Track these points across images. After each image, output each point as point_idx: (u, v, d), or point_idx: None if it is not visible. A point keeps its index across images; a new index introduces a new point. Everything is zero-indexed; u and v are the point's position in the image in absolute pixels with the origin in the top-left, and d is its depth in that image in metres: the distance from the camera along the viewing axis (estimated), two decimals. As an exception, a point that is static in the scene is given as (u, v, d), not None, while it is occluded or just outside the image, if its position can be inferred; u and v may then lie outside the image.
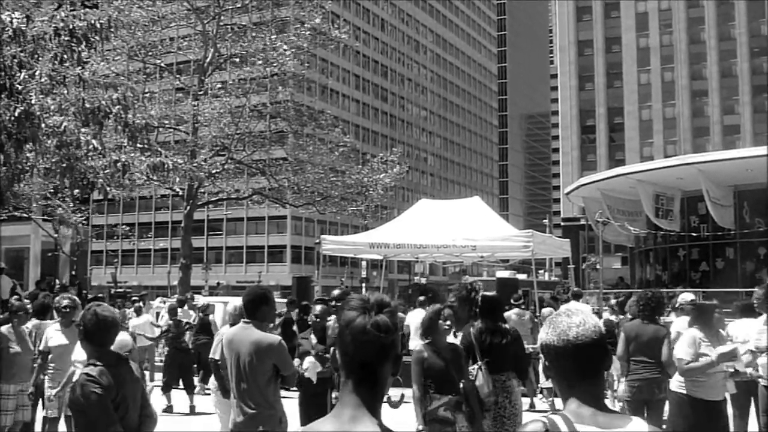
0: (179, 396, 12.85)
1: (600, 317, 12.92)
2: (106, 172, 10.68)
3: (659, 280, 31.83)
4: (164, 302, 21.04)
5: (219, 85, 26.55)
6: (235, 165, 27.38)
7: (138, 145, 13.52)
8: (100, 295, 23.93)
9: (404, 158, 43.45)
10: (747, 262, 29.06)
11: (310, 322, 10.38)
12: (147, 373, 15.18)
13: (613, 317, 12.26)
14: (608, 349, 2.41)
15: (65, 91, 9.82)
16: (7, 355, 7.68)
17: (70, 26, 9.15)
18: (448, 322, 6.65)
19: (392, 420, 2.06)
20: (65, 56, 9.34)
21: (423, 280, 47.71)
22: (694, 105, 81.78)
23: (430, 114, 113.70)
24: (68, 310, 7.56)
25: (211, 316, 15.27)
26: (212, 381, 7.70)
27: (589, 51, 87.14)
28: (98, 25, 9.32)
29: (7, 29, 8.82)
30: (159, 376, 14.66)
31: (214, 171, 25.69)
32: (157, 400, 10.23)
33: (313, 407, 7.53)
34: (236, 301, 7.52)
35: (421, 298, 14.27)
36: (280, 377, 5.53)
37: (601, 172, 39.50)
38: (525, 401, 8.78)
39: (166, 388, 12.76)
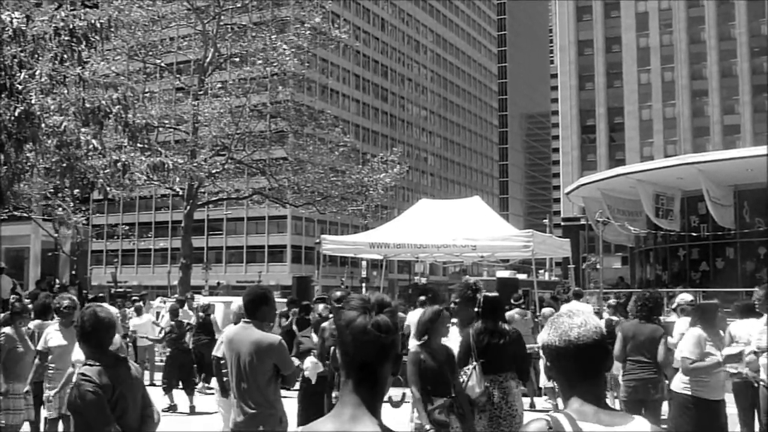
0: (179, 396, 12.87)
1: (600, 317, 12.91)
2: (106, 171, 10.69)
3: (659, 280, 31.82)
4: (164, 302, 21.05)
5: (219, 85, 26.56)
6: (235, 165, 27.38)
7: (138, 145, 13.53)
8: (101, 294, 23.90)
9: (404, 158, 43.47)
10: (747, 262, 29.05)
11: (311, 321, 10.39)
12: (147, 373, 15.19)
13: (614, 317, 12.25)
14: (609, 350, 2.42)
15: (65, 91, 9.82)
16: (16, 355, 7.75)
17: (70, 26, 9.15)
18: (452, 324, 6.64)
19: (392, 420, 2.06)
20: (65, 56, 9.35)
21: (423, 280, 47.69)
22: (695, 105, 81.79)
23: (430, 114, 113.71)
24: (69, 310, 7.57)
25: (212, 316, 15.28)
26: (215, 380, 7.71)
27: (589, 51, 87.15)
28: (98, 25, 9.33)
29: (7, 29, 8.82)
30: (159, 375, 14.67)
31: (214, 171, 25.70)
32: (158, 400, 10.23)
33: (312, 406, 7.54)
34: (240, 301, 7.55)
35: (422, 298, 14.28)
36: (281, 377, 5.53)
37: (601, 172, 39.47)
38: (525, 401, 8.77)
39: (168, 389, 12.78)
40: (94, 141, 9.68)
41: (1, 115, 8.89)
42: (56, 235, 29.12)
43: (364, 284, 55.04)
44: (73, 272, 30.99)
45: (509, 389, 6.43)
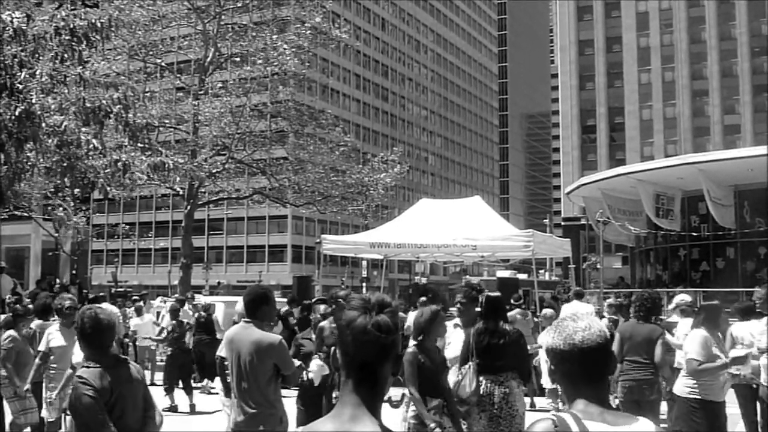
0: (179, 396, 12.87)
1: (601, 318, 12.89)
2: (106, 171, 10.68)
3: (660, 280, 31.83)
4: (164, 302, 21.03)
5: (219, 85, 26.55)
6: (236, 164, 27.37)
7: (138, 145, 13.54)
8: (101, 294, 23.89)
9: (405, 158, 43.42)
10: (747, 262, 29.06)
11: (313, 321, 10.38)
12: (148, 373, 15.19)
13: (615, 317, 12.25)
14: (613, 354, 2.43)
15: (66, 91, 9.83)
16: (26, 357, 7.81)
17: (71, 25, 9.16)
18: (457, 326, 6.62)
19: (384, 419, 2.06)
20: (66, 55, 9.35)
21: (423, 280, 47.68)
22: (695, 105, 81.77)
23: (430, 113, 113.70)
24: (70, 311, 7.58)
25: (213, 316, 15.28)
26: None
27: (589, 50, 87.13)
28: (99, 25, 9.33)
29: (7, 29, 8.82)
30: (159, 375, 14.67)
31: (214, 170, 25.69)
32: (159, 400, 10.23)
33: (312, 406, 7.54)
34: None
35: (422, 299, 14.26)
36: (281, 377, 5.52)
37: (602, 172, 39.48)
38: (525, 401, 8.75)
39: (170, 389, 12.79)
40: (94, 140, 9.68)
41: (1, 114, 8.89)
42: (57, 234, 29.09)
43: (364, 284, 55.00)
44: (74, 272, 30.98)
45: (510, 389, 6.42)
